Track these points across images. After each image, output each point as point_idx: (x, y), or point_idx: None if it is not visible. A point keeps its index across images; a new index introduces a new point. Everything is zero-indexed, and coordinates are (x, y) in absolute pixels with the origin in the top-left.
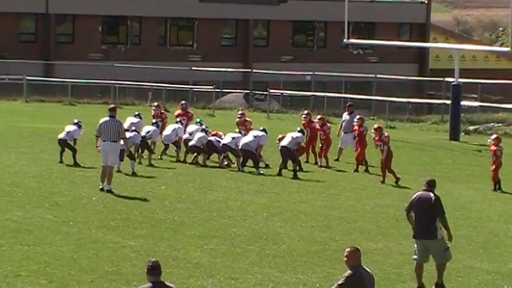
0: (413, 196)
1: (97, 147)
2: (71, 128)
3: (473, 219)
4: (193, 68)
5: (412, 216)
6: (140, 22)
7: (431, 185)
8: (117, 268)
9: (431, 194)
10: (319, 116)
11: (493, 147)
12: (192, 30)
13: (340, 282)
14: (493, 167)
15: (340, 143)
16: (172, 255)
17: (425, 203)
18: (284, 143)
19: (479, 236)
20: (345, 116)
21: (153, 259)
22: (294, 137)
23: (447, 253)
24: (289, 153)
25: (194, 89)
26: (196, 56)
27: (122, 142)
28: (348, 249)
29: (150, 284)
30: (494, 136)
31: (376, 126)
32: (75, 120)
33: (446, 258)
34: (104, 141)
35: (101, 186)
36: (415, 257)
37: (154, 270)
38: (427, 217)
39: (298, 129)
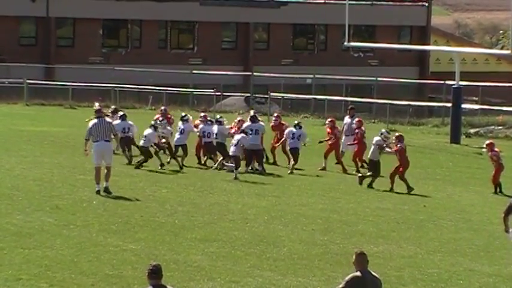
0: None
1: (85, 150)
2: (147, 131)
3: (473, 222)
4: (194, 72)
5: (509, 219)
6: (140, 25)
7: None
8: (118, 271)
9: None
10: (329, 119)
11: (489, 154)
12: (192, 33)
13: (340, 286)
14: (494, 171)
15: (341, 146)
16: (173, 259)
17: None
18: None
19: (480, 238)
20: (347, 119)
21: (154, 262)
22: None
23: None
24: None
25: (195, 93)
26: (197, 60)
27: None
28: (354, 253)
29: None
30: (487, 142)
31: (397, 134)
32: (152, 122)
33: None
34: (97, 141)
35: (96, 189)
36: None
37: (155, 273)
38: None
39: (296, 122)
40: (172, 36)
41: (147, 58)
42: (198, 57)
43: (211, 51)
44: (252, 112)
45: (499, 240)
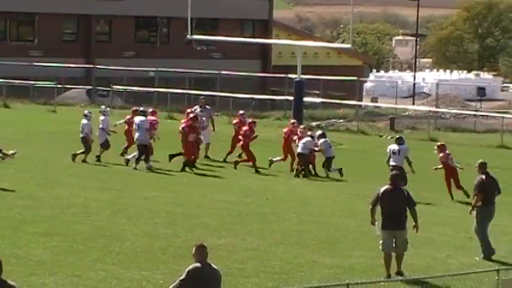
0: (380, 190)
1: None
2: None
3: (316, 215)
4: (34, 64)
5: (376, 209)
6: None
7: (396, 179)
8: None
9: (402, 188)
10: (438, 146)
11: (440, 155)
12: (32, 25)
13: (182, 277)
14: (447, 176)
15: (202, 138)
16: (13, 253)
17: (397, 196)
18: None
19: (322, 231)
20: (198, 111)
21: None
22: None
23: (407, 244)
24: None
25: (35, 85)
26: (38, 52)
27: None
28: (194, 245)
29: None
30: (438, 144)
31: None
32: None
33: (406, 248)
34: None
35: None
36: (383, 248)
37: None
38: (398, 209)
39: (309, 133)
40: (11, 28)
41: None
42: (39, 49)
43: (52, 43)
44: (141, 107)
45: (340, 233)
